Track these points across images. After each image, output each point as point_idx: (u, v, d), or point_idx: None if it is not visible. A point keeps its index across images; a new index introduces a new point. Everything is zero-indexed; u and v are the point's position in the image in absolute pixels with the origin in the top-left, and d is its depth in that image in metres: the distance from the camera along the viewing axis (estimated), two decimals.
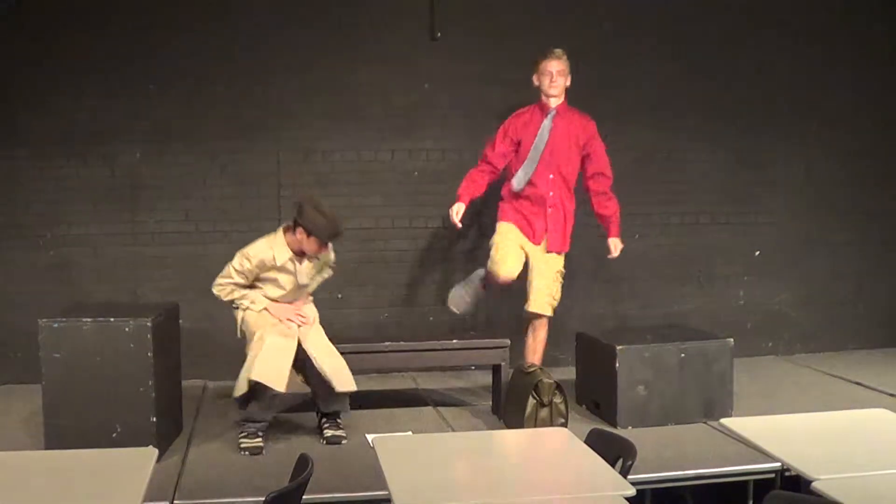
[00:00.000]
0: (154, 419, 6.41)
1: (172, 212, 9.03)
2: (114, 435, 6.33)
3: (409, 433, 7.15)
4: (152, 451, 4.56)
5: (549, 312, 7.79)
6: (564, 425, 6.96)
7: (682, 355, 7.40)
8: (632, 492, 3.98)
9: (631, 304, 9.80)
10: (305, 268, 7.05)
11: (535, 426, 7.00)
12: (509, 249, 7.71)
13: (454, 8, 9.24)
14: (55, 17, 8.74)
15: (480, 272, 7.95)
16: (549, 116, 7.77)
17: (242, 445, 6.68)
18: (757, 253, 10.01)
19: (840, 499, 3.78)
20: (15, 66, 8.72)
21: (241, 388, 6.75)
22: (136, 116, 8.89)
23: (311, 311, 7.17)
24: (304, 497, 4.31)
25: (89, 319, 6.40)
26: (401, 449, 4.97)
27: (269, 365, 6.65)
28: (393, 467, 4.36)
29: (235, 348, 8.38)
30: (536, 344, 7.81)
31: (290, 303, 7.10)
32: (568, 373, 8.29)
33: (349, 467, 6.32)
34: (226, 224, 9.07)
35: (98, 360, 6.35)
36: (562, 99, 7.83)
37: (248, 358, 6.78)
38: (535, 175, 7.77)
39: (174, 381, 7.17)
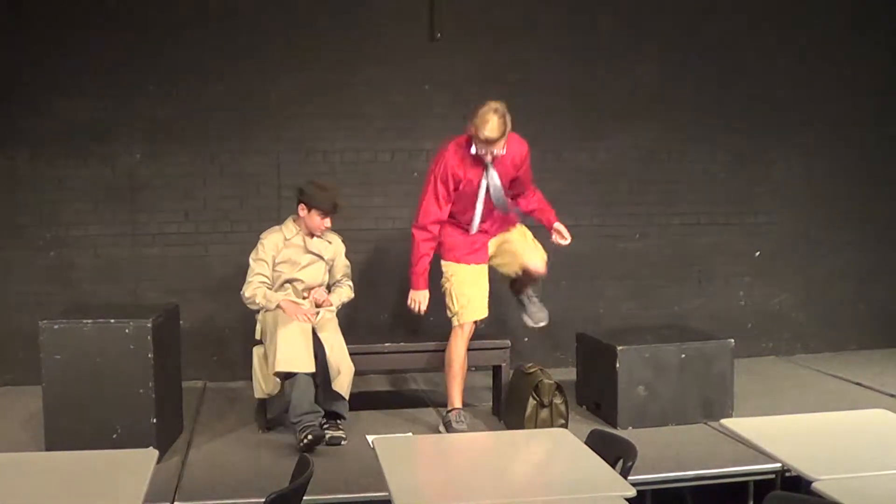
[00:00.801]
0: (154, 420, 6.41)
1: (172, 212, 9.04)
2: (114, 436, 6.33)
3: (410, 434, 7.16)
4: (153, 453, 4.57)
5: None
6: (565, 426, 6.97)
7: (683, 356, 7.41)
8: (632, 493, 3.98)
9: (631, 304, 9.80)
10: (315, 241, 7.31)
11: (536, 427, 7.00)
12: (469, 291, 7.32)
13: (454, 8, 9.24)
14: (55, 18, 8.74)
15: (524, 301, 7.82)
16: (489, 166, 7.16)
17: (308, 438, 6.59)
18: (757, 253, 10.01)
19: (840, 499, 3.79)
20: (15, 66, 8.73)
21: (266, 387, 7.00)
22: (136, 117, 8.90)
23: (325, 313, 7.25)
24: (304, 498, 4.30)
25: (89, 321, 6.41)
26: (401, 450, 4.97)
27: (291, 352, 6.76)
28: (393, 468, 4.37)
29: (235, 349, 8.43)
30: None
31: (305, 294, 7.28)
32: (568, 373, 8.29)
33: (349, 468, 6.32)
34: (226, 224, 9.08)
35: (98, 362, 6.36)
36: None
37: (269, 356, 6.93)
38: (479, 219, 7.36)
39: (174, 381, 7.17)
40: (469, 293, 7.31)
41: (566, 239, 7.43)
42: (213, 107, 9.01)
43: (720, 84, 9.78)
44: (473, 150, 7.04)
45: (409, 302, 7.38)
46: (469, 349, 7.34)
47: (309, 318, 6.98)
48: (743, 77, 9.81)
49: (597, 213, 9.65)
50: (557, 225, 7.46)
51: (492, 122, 6.86)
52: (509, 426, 7.25)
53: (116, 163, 8.95)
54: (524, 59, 9.41)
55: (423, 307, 7.37)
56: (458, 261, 7.36)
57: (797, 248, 10.08)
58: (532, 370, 7.27)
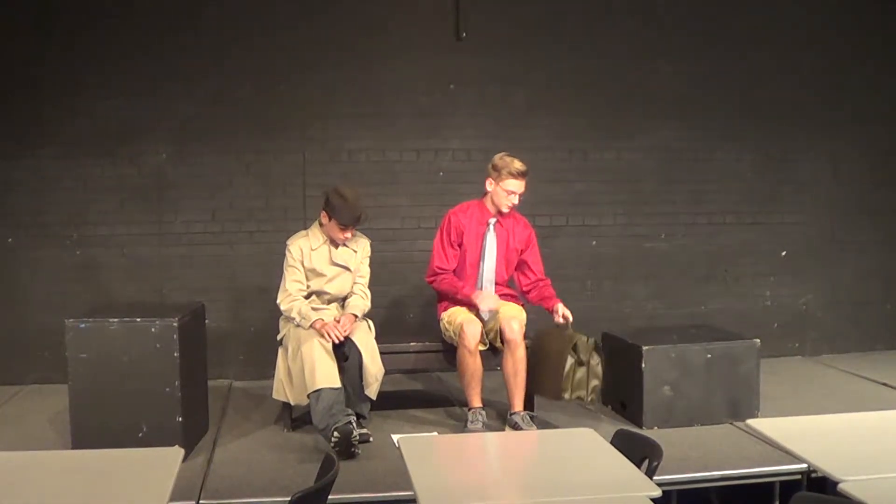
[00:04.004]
0: (180, 419, 6.43)
1: (198, 212, 9.07)
2: (140, 434, 6.34)
3: (435, 433, 7.16)
4: (178, 451, 4.56)
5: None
6: (598, 387, 7.02)
7: (709, 356, 7.38)
8: (658, 493, 3.97)
9: (657, 303, 9.78)
10: (341, 251, 7.26)
11: (571, 387, 6.98)
12: (457, 314, 7.37)
13: (479, 7, 9.24)
14: (82, 18, 8.79)
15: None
16: (491, 226, 7.53)
17: (335, 436, 6.52)
18: (783, 253, 9.97)
19: (867, 500, 3.76)
20: (42, 66, 8.78)
21: (294, 398, 7.06)
22: (163, 116, 8.95)
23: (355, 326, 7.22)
24: (329, 497, 4.30)
25: (116, 319, 6.43)
26: (426, 449, 4.97)
27: (318, 370, 6.75)
28: (418, 468, 4.36)
29: (261, 348, 8.44)
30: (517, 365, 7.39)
31: (330, 301, 7.29)
32: None
33: (374, 467, 6.32)
34: (252, 224, 9.11)
35: (124, 360, 6.37)
36: None
37: (294, 373, 6.95)
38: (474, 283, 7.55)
39: (200, 380, 7.19)
40: (458, 315, 7.35)
41: (567, 318, 7.27)
42: (239, 106, 9.04)
43: (747, 84, 9.75)
44: (490, 207, 7.50)
45: (482, 310, 7.32)
46: (492, 348, 7.35)
47: (338, 337, 6.91)
48: (770, 77, 9.78)
49: (623, 212, 9.64)
50: (559, 306, 7.35)
51: (518, 161, 7.34)
52: (541, 391, 7.23)
53: (143, 162, 8.99)
54: (549, 59, 9.39)
55: (492, 301, 7.34)
56: (447, 308, 7.56)
57: (824, 247, 10.04)
58: (567, 330, 7.19)
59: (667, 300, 9.80)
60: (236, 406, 8.13)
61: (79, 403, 6.39)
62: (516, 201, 7.42)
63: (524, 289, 7.65)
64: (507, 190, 7.35)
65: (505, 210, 7.45)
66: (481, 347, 7.25)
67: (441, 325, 7.55)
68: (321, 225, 7.23)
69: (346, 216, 7.03)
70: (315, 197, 8.84)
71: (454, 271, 7.54)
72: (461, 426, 7.31)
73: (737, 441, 6.90)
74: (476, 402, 7.25)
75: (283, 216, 9.02)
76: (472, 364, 7.18)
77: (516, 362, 7.18)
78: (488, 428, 7.18)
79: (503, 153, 7.43)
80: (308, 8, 9.09)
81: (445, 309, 7.53)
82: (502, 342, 7.24)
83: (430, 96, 9.35)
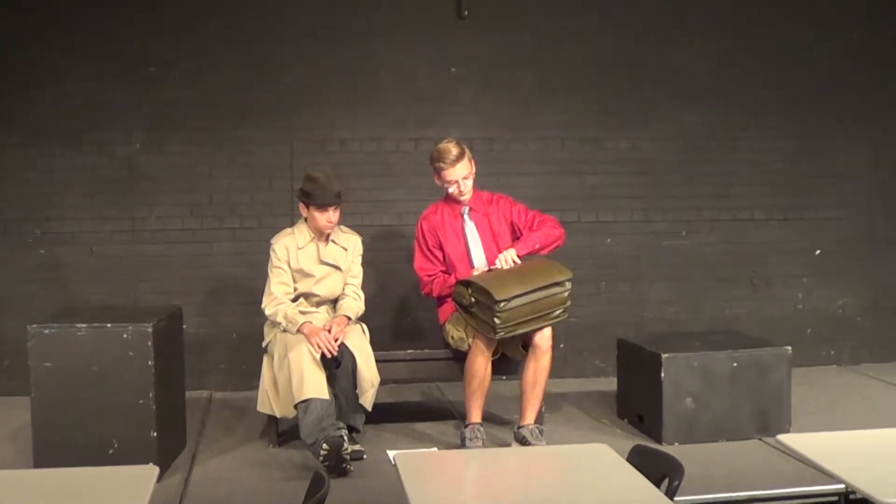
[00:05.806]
0: (155, 434, 6.42)
1: (175, 206, 9.06)
2: (110, 451, 6.34)
3: (434, 449, 7.16)
4: (153, 469, 4.54)
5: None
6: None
7: (735, 364, 7.38)
8: None
9: (678, 307, 9.76)
10: (330, 249, 7.29)
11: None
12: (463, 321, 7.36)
13: None
14: None
15: None
16: (465, 216, 7.61)
17: (324, 448, 6.49)
18: (817, 252, 9.95)
19: None
20: (2, 45, 8.75)
21: (280, 411, 7.05)
22: (136, 101, 8.93)
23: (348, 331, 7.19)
24: None
25: (84, 325, 6.41)
26: (424, 466, 4.95)
27: (306, 379, 6.74)
28: (416, 486, 4.34)
29: (244, 356, 8.43)
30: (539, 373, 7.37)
31: (320, 303, 7.30)
32: (609, 383, 8.28)
33: (368, 486, 6.33)
34: (234, 220, 9.10)
35: (93, 370, 6.37)
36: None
37: (281, 382, 6.94)
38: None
39: (177, 391, 7.19)
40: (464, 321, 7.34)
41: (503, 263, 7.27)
42: (220, 90, 9.03)
43: (776, 65, 9.73)
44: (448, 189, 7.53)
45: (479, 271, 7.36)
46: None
47: (331, 350, 6.86)
48: (803, 54, 9.75)
49: (640, 207, 9.62)
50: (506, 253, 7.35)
51: (447, 146, 7.45)
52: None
53: (114, 152, 8.97)
54: (560, 39, 9.38)
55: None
56: (452, 311, 7.53)
57: (862, 245, 10.01)
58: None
59: (688, 304, 9.79)
60: (217, 419, 8.13)
61: (42, 417, 6.38)
62: (466, 188, 7.49)
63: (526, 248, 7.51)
64: (448, 181, 7.44)
65: (464, 198, 7.53)
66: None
67: (445, 328, 7.55)
68: (305, 220, 7.26)
69: (322, 196, 7.06)
70: None
71: (444, 272, 7.59)
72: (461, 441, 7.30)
73: (766, 458, 6.91)
74: (476, 416, 7.23)
75: (268, 212, 9.01)
76: (483, 370, 7.15)
77: (538, 370, 7.16)
78: (489, 442, 7.17)
79: (440, 144, 7.50)
80: None
81: (449, 312, 7.52)
82: (524, 348, 7.22)
83: (429, 80, 9.34)
